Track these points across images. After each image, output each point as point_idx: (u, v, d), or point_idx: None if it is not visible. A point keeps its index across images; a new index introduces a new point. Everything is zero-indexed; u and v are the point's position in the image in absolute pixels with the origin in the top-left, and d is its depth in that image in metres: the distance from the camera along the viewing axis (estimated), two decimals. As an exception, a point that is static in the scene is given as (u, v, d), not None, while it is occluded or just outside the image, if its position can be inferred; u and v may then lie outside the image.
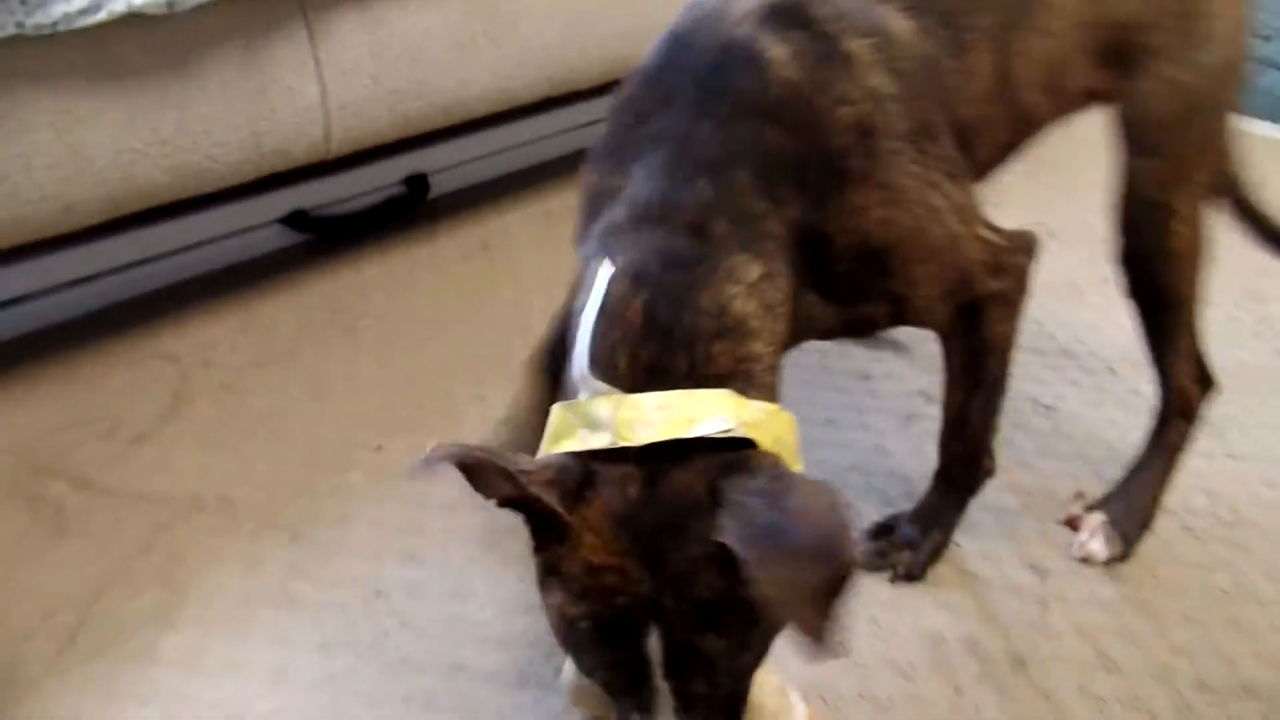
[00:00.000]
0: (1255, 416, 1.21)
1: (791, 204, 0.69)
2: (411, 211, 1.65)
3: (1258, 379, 1.28)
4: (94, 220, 1.13)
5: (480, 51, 1.36)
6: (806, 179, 0.69)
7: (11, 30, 0.94)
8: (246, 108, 1.17)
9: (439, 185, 1.69)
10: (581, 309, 0.66)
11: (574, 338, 0.66)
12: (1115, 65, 0.89)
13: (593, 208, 0.72)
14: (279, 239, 1.53)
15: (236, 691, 0.83)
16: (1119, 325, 1.37)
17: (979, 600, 0.94)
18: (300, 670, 0.85)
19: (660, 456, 0.58)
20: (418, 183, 1.65)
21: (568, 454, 0.60)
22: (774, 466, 0.58)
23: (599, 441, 0.59)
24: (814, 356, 1.30)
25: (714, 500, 0.56)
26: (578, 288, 0.69)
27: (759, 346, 0.65)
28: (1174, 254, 0.93)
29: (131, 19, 1.02)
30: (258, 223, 1.49)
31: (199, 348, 1.29)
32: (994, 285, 0.81)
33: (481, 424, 1.12)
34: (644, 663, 0.58)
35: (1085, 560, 0.98)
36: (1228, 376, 1.06)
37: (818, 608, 0.51)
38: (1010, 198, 1.10)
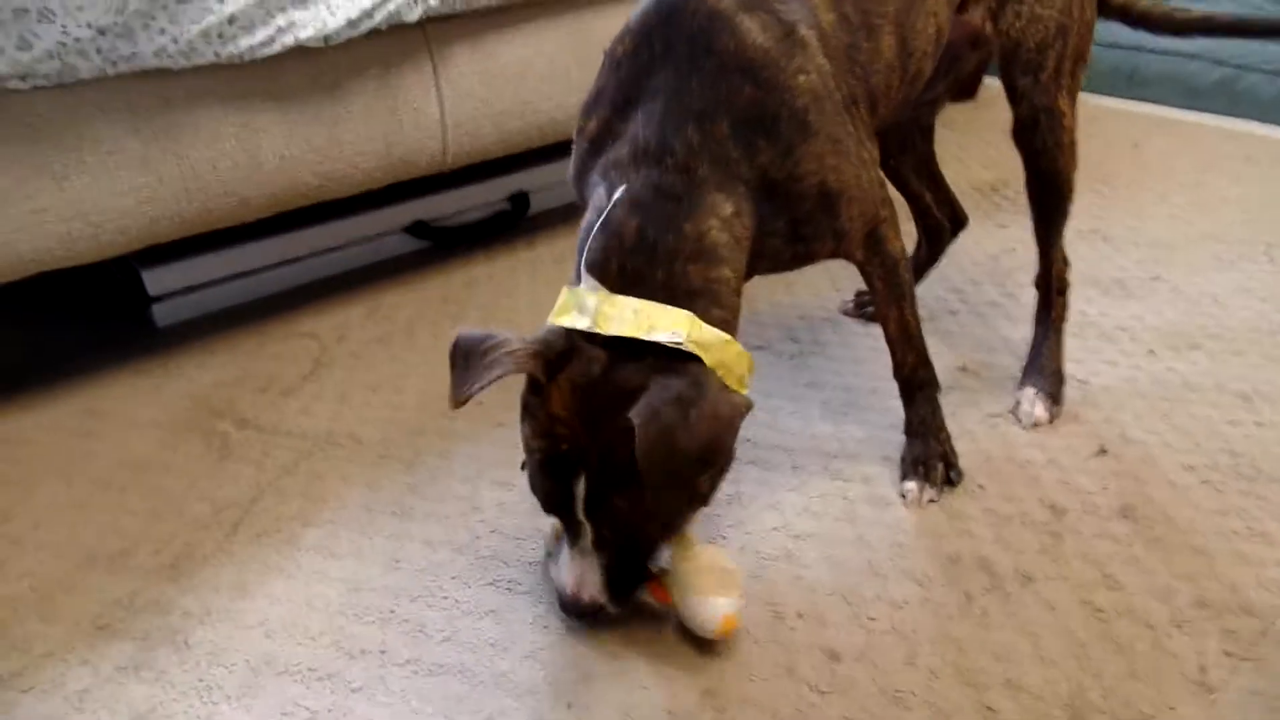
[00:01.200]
0: (1288, 391, 1.27)
1: (762, 153, 0.85)
2: (514, 225, 1.88)
3: (1296, 360, 1.34)
4: (262, 214, 1.39)
5: (572, 78, 1.58)
6: (776, 131, 0.85)
7: (210, 59, 1.20)
8: (381, 124, 1.42)
9: (539, 203, 1.91)
10: (592, 224, 0.85)
11: (582, 244, 0.86)
12: (989, 17, 1.11)
13: (595, 147, 0.90)
14: (402, 245, 1.78)
15: (360, 571, 1.02)
16: (1161, 316, 1.46)
17: (996, 530, 1.05)
18: (410, 559, 1.03)
19: (625, 348, 0.79)
20: (520, 200, 1.88)
21: (560, 327, 0.82)
22: (698, 376, 0.78)
23: (582, 323, 0.80)
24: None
25: (644, 389, 0.76)
26: (588, 210, 0.88)
27: (726, 271, 0.84)
28: (1064, 146, 1.18)
29: (296, 51, 1.29)
30: (385, 230, 1.74)
31: (335, 328, 1.53)
32: (884, 213, 1.00)
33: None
34: (572, 498, 0.81)
35: (1036, 425, 1.20)
36: (1260, 348, 1.14)
37: (678, 497, 0.81)
38: (1077, 208, 1.23)
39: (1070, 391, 1.28)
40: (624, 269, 0.82)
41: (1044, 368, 1.26)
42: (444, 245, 1.81)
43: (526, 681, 0.87)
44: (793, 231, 0.91)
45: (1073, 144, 1.19)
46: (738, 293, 0.86)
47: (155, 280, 1.52)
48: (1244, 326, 1.43)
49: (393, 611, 0.96)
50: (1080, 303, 1.52)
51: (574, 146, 0.95)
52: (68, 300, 1.67)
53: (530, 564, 1.02)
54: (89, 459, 1.22)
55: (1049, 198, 1.22)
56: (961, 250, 1.73)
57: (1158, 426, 1.21)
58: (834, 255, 0.99)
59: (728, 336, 0.82)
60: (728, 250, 0.84)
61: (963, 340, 1.43)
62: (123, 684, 0.89)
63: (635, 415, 0.74)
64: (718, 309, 0.83)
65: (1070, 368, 1.34)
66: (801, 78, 0.86)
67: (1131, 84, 2.63)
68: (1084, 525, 1.05)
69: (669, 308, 0.80)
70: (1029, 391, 1.24)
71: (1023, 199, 1.26)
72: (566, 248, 1.79)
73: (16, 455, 1.23)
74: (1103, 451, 1.16)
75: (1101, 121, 2.39)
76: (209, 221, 1.33)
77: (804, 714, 0.83)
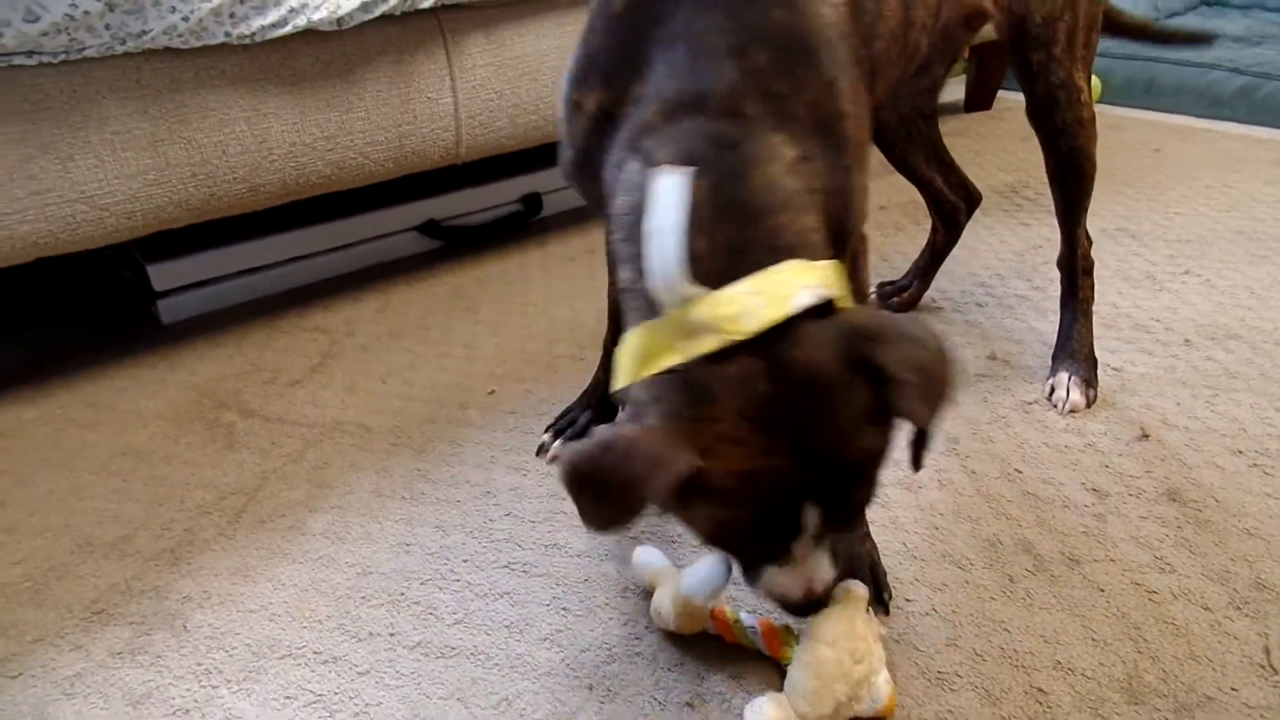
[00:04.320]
0: (1335, 377, 1.22)
1: (803, 81, 0.69)
2: (526, 225, 1.86)
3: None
4: (272, 202, 1.36)
5: (589, 72, 1.56)
6: (817, 60, 0.69)
7: (220, 39, 1.18)
8: (394, 113, 1.39)
9: (552, 204, 1.89)
10: (635, 208, 0.66)
11: (626, 242, 0.66)
12: None
13: (605, 119, 0.72)
14: (414, 244, 1.75)
15: (369, 555, 0.97)
16: (1194, 308, 1.42)
17: (1037, 514, 0.99)
18: (421, 543, 0.98)
19: (764, 341, 0.58)
20: (533, 200, 1.85)
21: (664, 373, 0.60)
22: (875, 315, 0.61)
23: (705, 346, 0.58)
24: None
25: (845, 365, 0.59)
26: (618, 194, 0.69)
27: (812, 219, 0.66)
28: (1084, 121, 1.14)
29: (309, 33, 1.27)
30: (397, 229, 1.71)
31: (345, 322, 1.49)
32: (866, 233, 0.85)
33: (578, 376, 1.27)
34: (799, 529, 0.62)
35: (1073, 411, 1.16)
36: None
37: (936, 424, 0.60)
38: (1096, 205, 1.20)
39: (1106, 379, 1.24)
40: (715, 242, 0.62)
41: (1075, 352, 1.21)
42: (456, 245, 1.78)
43: (544, 664, 0.82)
44: (841, 189, 0.73)
45: (1092, 119, 1.15)
46: (828, 245, 0.68)
47: (161, 276, 1.49)
48: (1282, 317, 1.38)
49: (402, 594, 0.91)
50: (1111, 295, 1.48)
51: (568, 127, 0.78)
52: (73, 298, 1.64)
53: (546, 547, 0.97)
54: (88, 449, 1.18)
55: (1072, 176, 1.17)
56: (986, 248, 1.69)
57: (1200, 412, 1.16)
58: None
59: (829, 260, 0.65)
60: (804, 199, 0.66)
61: (992, 331, 1.39)
62: (117, 669, 0.84)
63: (898, 367, 0.58)
64: (811, 256, 0.65)
65: (1105, 357, 1.29)
66: (826, 9, 0.72)
67: (1149, 94, 2.61)
68: (1129, 508, 0.99)
69: (778, 268, 0.61)
70: (1063, 377, 1.19)
71: (1044, 198, 1.23)
72: (578, 246, 1.76)
73: (13, 447, 1.19)
74: (1145, 436, 1.11)
75: (1121, 129, 2.36)
76: (218, 208, 1.31)
77: (841, 698, 0.77)
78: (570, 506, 1.03)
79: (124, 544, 1.00)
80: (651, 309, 0.63)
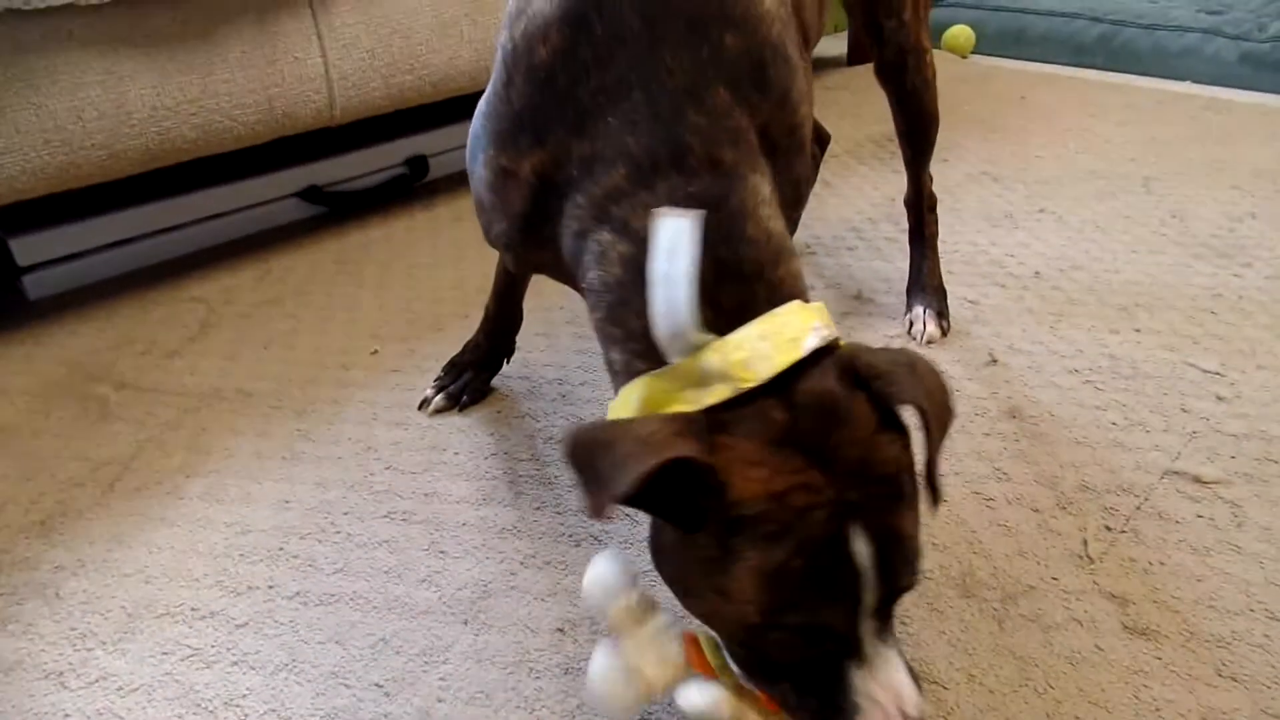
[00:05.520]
0: (1159, 298, 1.33)
1: (758, 107, 0.66)
2: (412, 190, 1.84)
3: (1167, 271, 1.40)
4: (136, 169, 1.32)
5: (463, 31, 1.55)
6: (767, 78, 0.67)
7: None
8: (260, 75, 1.37)
9: (438, 167, 1.88)
10: (622, 282, 0.62)
11: (617, 314, 0.62)
12: None
13: (550, 186, 0.67)
14: (295, 211, 1.72)
15: (249, 514, 0.98)
16: (1046, 243, 1.52)
17: (891, 436, 1.06)
18: (301, 499, 1.00)
19: (774, 383, 0.55)
20: (418, 163, 1.84)
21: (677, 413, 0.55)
22: (873, 350, 0.59)
23: (718, 394, 0.55)
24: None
25: (852, 387, 0.56)
26: (590, 267, 0.64)
27: (796, 262, 0.64)
28: (929, 82, 1.22)
29: (163, -7, 1.23)
30: (276, 196, 1.68)
31: (223, 291, 1.47)
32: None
33: (463, 334, 1.28)
34: (856, 579, 0.53)
35: (930, 341, 1.24)
36: (1138, 266, 1.18)
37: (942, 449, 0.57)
38: (963, 152, 1.27)
39: (961, 311, 1.32)
40: (720, 308, 0.59)
41: (927, 285, 1.29)
42: (339, 211, 1.76)
43: (422, 603, 0.85)
44: (795, 195, 0.73)
45: (934, 77, 1.23)
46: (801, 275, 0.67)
47: (25, 250, 1.43)
48: (1123, 248, 1.49)
49: (281, 549, 0.92)
50: (970, 234, 1.56)
51: (495, 196, 0.72)
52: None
53: (425, 495, 0.99)
54: (-48, 429, 1.14)
55: (919, 132, 1.27)
56: (859, 194, 1.76)
57: (1044, 337, 1.25)
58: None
59: (818, 303, 0.64)
60: (785, 237, 0.64)
61: (860, 272, 1.45)
62: (-14, 640, 0.83)
63: (909, 398, 0.55)
64: (803, 297, 0.64)
65: (961, 290, 1.37)
66: (769, 4, 0.68)
67: (1019, 44, 2.73)
68: (974, 426, 1.07)
69: (780, 311, 0.59)
70: (919, 310, 1.27)
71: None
72: (466, 207, 1.76)
73: None
74: (993, 361, 1.20)
75: (991, 78, 2.47)
76: (78, 177, 1.27)
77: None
78: (450, 455, 1.06)
79: (-8, 520, 0.98)
80: (651, 362, 0.59)
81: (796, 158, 0.71)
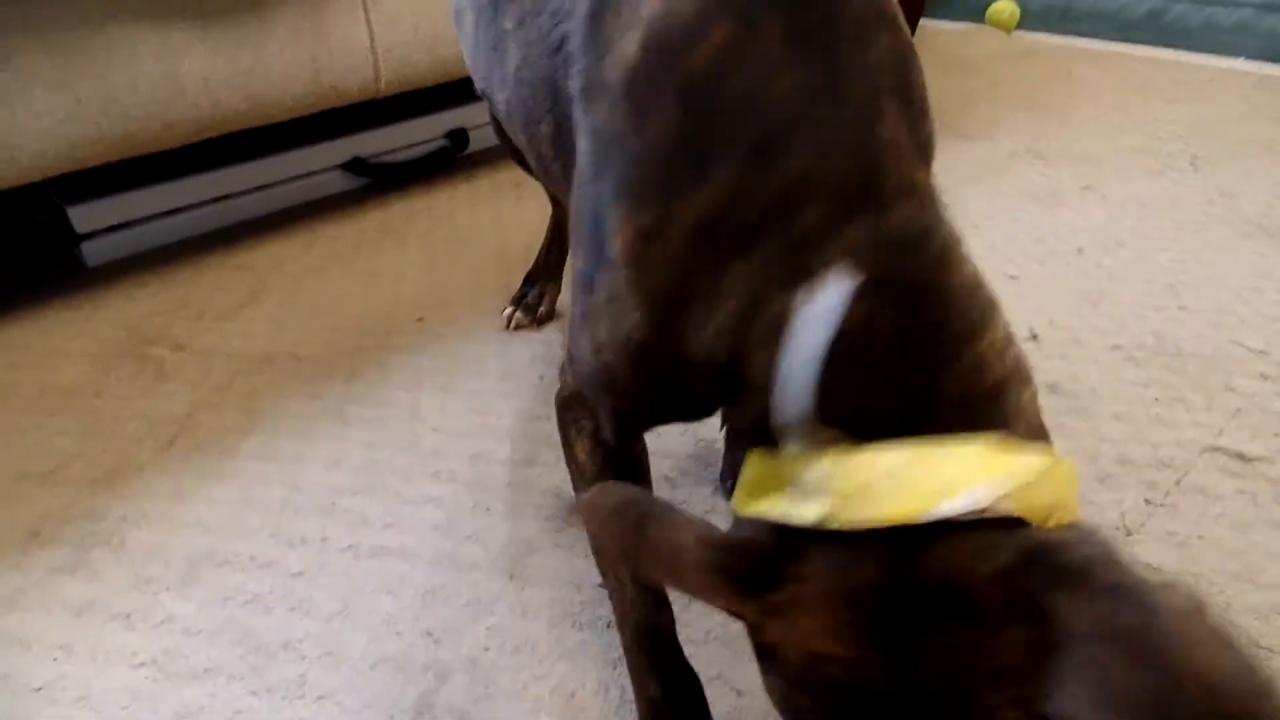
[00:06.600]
0: (1206, 277, 1.32)
1: (919, 126, 0.52)
2: (453, 161, 1.87)
3: (1213, 250, 1.39)
4: (188, 139, 1.35)
5: (506, 3, 1.56)
6: (917, 85, 0.53)
7: (125, -29, 1.17)
8: (308, 47, 1.39)
9: (478, 140, 1.90)
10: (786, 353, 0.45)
11: (783, 385, 0.45)
12: None
13: (715, 240, 0.49)
14: (341, 182, 1.75)
15: (300, 473, 1.01)
16: (1090, 220, 1.50)
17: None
18: (350, 459, 1.03)
19: (896, 533, 0.40)
20: (459, 136, 1.86)
21: (762, 521, 0.43)
22: (1105, 565, 0.37)
23: (806, 516, 0.42)
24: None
25: (1008, 598, 0.38)
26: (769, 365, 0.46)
27: (1003, 316, 0.47)
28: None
29: (216, -35, 1.26)
30: (322, 168, 1.71)
31: (271, 259, 1.51)
32: None
33: (507, 292, 1.31)
34: None
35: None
36: (1184, 244, 1.17)
37: None
38: (1007, 129, 1.25)
39: (1004, 287, 1.30)
40: (862, 395, 0.44)
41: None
42: (382, 182, 1.78)
43: (469, 559, 0.88)
44: None
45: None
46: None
47: (82, 217, 1.48)
48: (1169, 226, 1.47)
49: (333, 505, 0.96)
50: (1013, 211, 1.55)
51: (619, 279, 0.53)
52: (-7, 246, 1.62)
53: (471, 457, 1.02)
54: (14, 388, 1.19)
55: None
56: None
57: (1086, 314, 1.24)
58: None
59: (1050, 455, 0.44)
60: (989, 289, 0.48)
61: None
62: (57, 584, 0.87)
63: (1079, 709, 0.34)
64: (1026, 386, 0.47)
65: (1003, 266, 1.37)
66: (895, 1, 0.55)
67: (1065, 20, 2.68)
68: (1013, 400, 1.07)
69: (947, 443, 0.42)
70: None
71: (950, 120, 1.28)
72: (505, 179, 1.78)
73: (-59, 388, 1.20)
74: (1033, 336, 1.19)
75: (1036, 54, 2.43)
76: (133, 146, 1.30)
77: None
78: (495, 420, 1.08)
79: (58, 473, 1.03)
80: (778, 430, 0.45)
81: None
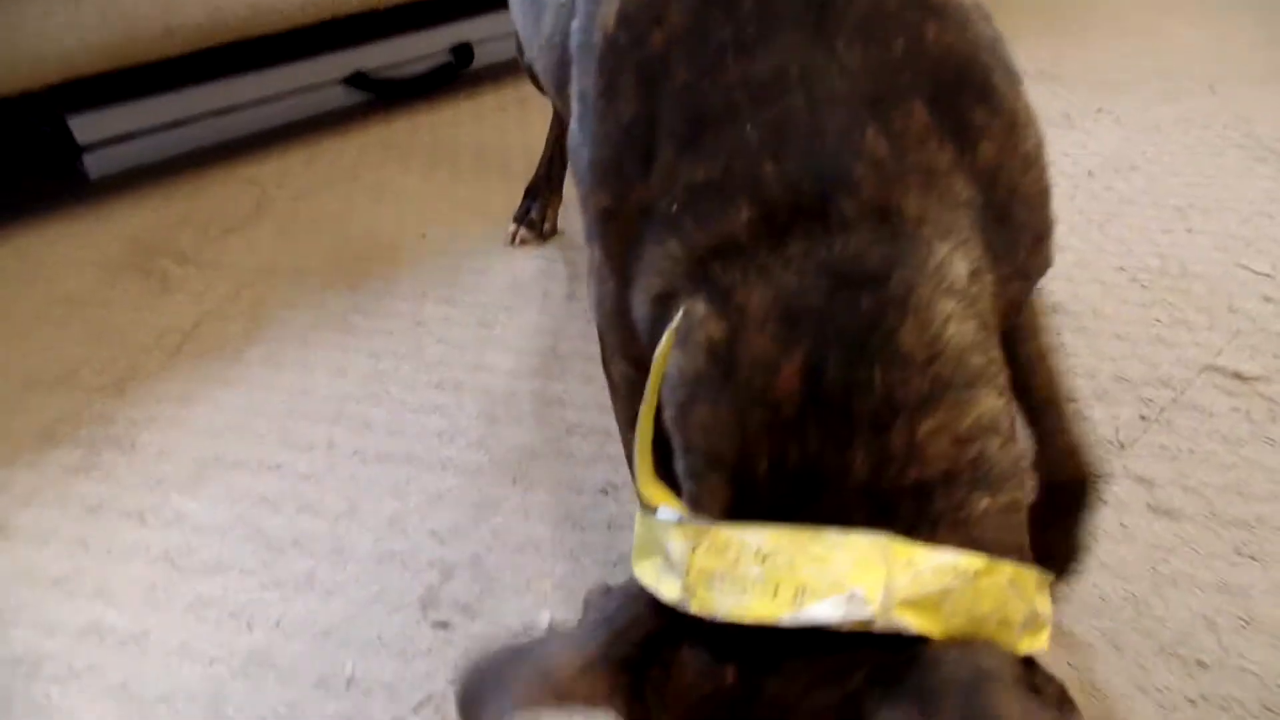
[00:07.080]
0: (1217, 200, 1.30)
1: (986, 136, 0.44)
2: (456, 77, 1.83)
3: (1226, 175, 1.37)
4: (189, 47, 1.33)
5: (511, -92, 1.51)
6: (991, 89, 0.45)
7: None
8: (309, -48, 1.36)
9: (484, 55, 1.86)
10: (690, 378, 0.41)
11: (675, 420, 0.43)
12: None
13: (647, 228, 0.45)
14: (343, 97, 1.72)
15: (306, 380, 1.02)
16: (1102, 143, 1.48)
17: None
18: (355, 367, 1.04)
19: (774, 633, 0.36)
20: (464, 51, 1.82)
21: (646, 593, 0.40)
22: (969, 693, 0.33)
23: (666, 593, 0.38)
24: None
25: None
26: (670, 354, 0.43)
27: (994, 401, 0.40)
28: None
29: None
30: (324, 81, 1.68)
31: (275, 173, 1.50)
32: None
33: (511, 208, 1.30)
34: None
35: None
36: (1197, 168, 1.15)
37: None
38: (1022, 50, 1.21)
39: (1009, 207, 1.30)
40: (781, 465, 0.38)
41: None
42: (385, 97, 1.76)
43: (473, 464, 0.90)
44: (1024, 272, 0.49)
45: None
46: (1016, 440, 0.41)
47: (83, 128, 1.46)
48: (1182, 150, 1.45)
49: (339, 412, 0.97)
50: (1024, 133, 1.53)
51: (597, 248, 0.51)
52: (-5, 157, 1.61)
53: (475, 367, 1.03)
54: (22, 298, 1.20)
55: None
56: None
57: (1093, 236, 1.24)
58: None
59: (983, 560, 0.37)
60: (981, 355, 0.40)
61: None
62: (71, 484, 0.90)
63: None
64: (986, 494, 0.38)
65: (1011, 188, 1.36)
66: None
67: (1088, -62, 2.59)
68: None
69: (839, 534, 0.36)
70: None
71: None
72: (510, 95, 1.76)
73: (-52, 296, 1.21)
74: (1037, 257, 1.19)
75: (1056, -28, 2.36)
76: (133, 53, 1.28)
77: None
78: (499, 332, 1.09)
79: (69, 379, 1.04)
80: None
81: (1037, 211, 0.48)
